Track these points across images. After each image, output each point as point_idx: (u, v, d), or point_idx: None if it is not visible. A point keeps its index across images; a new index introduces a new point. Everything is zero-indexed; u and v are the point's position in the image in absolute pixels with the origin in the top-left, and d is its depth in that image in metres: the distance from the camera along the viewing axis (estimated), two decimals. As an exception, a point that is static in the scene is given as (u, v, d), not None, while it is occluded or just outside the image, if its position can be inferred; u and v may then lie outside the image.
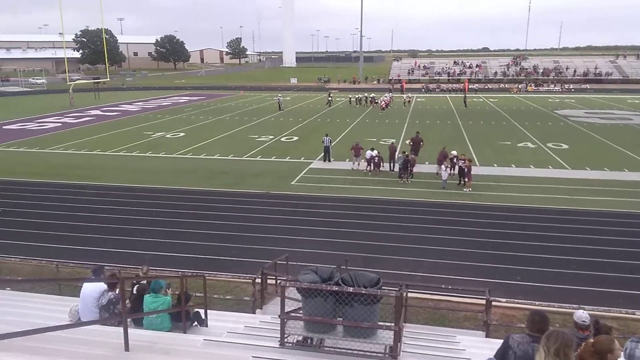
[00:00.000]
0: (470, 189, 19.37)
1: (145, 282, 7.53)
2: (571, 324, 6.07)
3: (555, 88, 68.18)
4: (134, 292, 7.44)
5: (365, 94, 53.34)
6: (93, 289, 7.04)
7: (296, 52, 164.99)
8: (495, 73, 79.85)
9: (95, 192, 20.12)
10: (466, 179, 19.67)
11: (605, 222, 15.76)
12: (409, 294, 9.72)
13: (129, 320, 6.36)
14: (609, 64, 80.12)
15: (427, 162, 21.63)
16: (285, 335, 6.17)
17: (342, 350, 5.97)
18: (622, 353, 4.33)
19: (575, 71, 77.01)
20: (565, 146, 28.44)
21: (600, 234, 14.73)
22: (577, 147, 28.10)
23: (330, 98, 52.52)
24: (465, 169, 19.72)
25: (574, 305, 9.11)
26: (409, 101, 52.13)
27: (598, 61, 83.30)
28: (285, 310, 6.23)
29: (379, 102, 49.07)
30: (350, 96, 54.86)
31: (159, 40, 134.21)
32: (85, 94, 62.59)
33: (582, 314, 5.89)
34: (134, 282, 7.72)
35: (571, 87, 68.65)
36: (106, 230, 15.72)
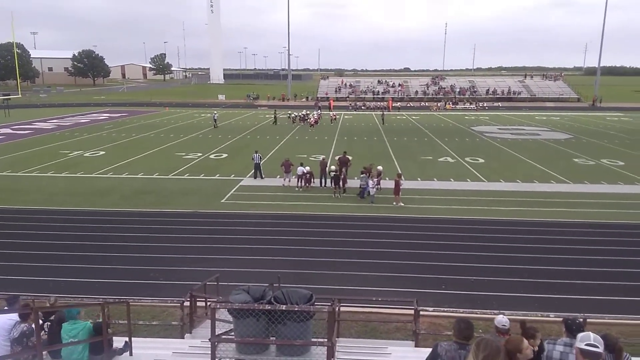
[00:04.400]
0: (401, 204, 19.86)
1: (61, 311, 7.02)
2: (492, 330, 6.40)
3: (471, 106, 72.50)
4: (49, 321, 6.90)
5: (296, 112, 53.76)
6: (3, 322, 6.46)
7: (224, 69, 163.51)
8: (416, 92, 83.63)
9: (5, 216, 18.57)
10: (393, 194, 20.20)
11: (519, 231, 16.87)
12: (341, 308, 9.82)
13: (45, 353, 5.90)
14: (518, 84, 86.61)
15: (355, 178, 22.16)
16: (216, 359, 5.99)
17: (276, 370, 5.89)
18: (531, 352, 4.61)
19: (488, 90, 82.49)
20: (481, 160, 30.24)
21: (515, 242, 15.73)
22: (492, 161, 29.97)
23: (276, 116, 52.14)
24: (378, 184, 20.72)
25: (494, 311, 9.62)
26: (335, 118, 53.16)
27: (508, 81, 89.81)
28: (216, 333, 6.06)
29: (309, 119, 49.71)
30: (290, 113, 54.58)
31: (76, 55, 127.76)
32: (-7, 110, 58.05)
33: (502, 319, 6.22)
34: (44, 313, 7.13)
35: (485, 105, 73.36)
36: (17, 256, 14.50)
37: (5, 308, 7.06)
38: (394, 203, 20.00)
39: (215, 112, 51.91)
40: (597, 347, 3.82)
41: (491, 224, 17.69)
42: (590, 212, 19.08)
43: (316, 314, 6.34)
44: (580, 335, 3.98)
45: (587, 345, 3.84)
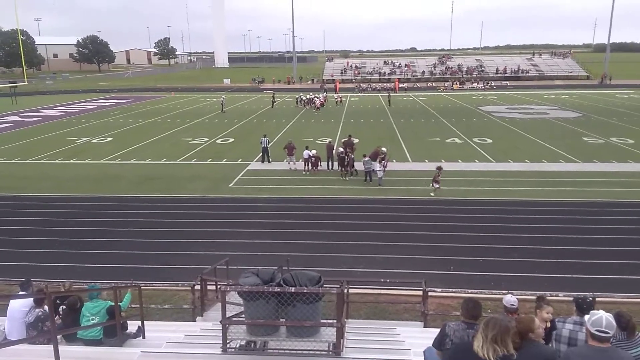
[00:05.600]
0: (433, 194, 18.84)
1: (73, 296, 7.15)
2: (501, 309, 6.43)
3: (479, 86, 71.78)
4: (64, 306, 7.03)
5: (302, 94, 53.37)
6: (20, 305, 6.60)
7: (228, 52, 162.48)
8: (423, 72, 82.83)
9: (17, 203, 18.79)
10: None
11: (528, 211, 16.81)
12: (350, 290, 9.90)
13: (60, 336, 6.03)
14: (526, 62, 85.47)
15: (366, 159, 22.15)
16: (228, 341, 6.08)
17: (286, 351, 5.98)
18: (542, 332, 4.61)
19: (497, 69, 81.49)
20: (489, 140, 30.03)
21: (524, 222, 15.69)
22: (500, 141, 29.74)
23: (274, 99, 51.87)
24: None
25: (503, 291, 9.63)
26: (340, 101, 52.72)
27: (516, 59, 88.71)
28: (227, 315, 6.15)
29: (315, 101, 49.45)
30: (298, 96, 53.61)
31: (80, 41, 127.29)
32: (1, 99, 58.30)
33: (510, 298, 6.24)
34: (58, 299, 7.26)
35: (493, 84, 72.58)
36: (30, 243, 14.72)
37: (21, 292, 7.19)
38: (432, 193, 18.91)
39: (222, 96, 51.78)
40: (607, 333, 3.80)
41: (499, 204, 17.64)
42: (600, 191, 18.95)
43: (325, 295, 6.40)
44: (593, 318, 3.88)
45: (597, 331, 3.81)
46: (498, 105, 49.24)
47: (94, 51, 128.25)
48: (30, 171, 24.13)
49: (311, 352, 5.89)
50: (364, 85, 72.19)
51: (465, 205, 17.68)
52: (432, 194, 18.88)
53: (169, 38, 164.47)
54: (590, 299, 5.55)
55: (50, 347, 5.26)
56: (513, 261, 12.99)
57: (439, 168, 19.41)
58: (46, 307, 6.40)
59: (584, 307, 5.21)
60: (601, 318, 3.84)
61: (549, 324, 5.27)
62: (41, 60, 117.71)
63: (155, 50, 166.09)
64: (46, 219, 16.86)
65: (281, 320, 6.20)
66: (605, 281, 11.82)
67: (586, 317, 4.05)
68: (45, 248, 14.38)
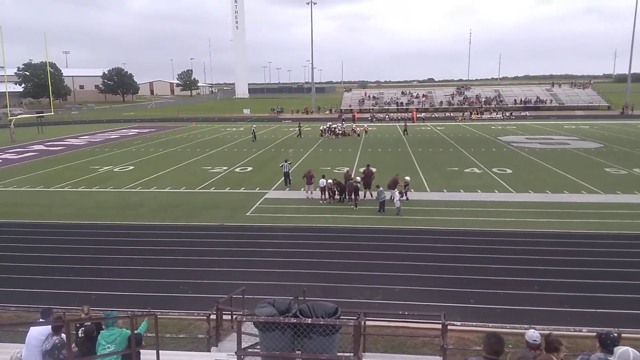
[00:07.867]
0: None
1: (90, 324, 7.17)
2: (523, 344, 6.25)
3: (497, 116, 71.53)
4: (81, 334, 7.05)
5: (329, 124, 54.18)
6: (39, 333, 6.63)
7: (249, 84, 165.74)
8: (441, 102, 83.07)
9: (38, 230, 19.13)
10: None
11: (549, 243, 16.45)
12: (367, 322, 9.72)
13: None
14: (545, 92, 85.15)
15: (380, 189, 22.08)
16: (243, 373, 6.00)
17: (302, 384, 5.87)
18: None
19: (515, 100, 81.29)
20: (509, 171, 29.71)
21: (546, 255, 15.34)
22: (520, 172, 29.40)
23: (300, 128, 53.01)
24: None
25: (524, 326, 9.37)
26: (359, 132, 51.24)
27: (535, 89, 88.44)
28: (242, 346, 6.09)
29: (335, 130, 50.35)
30: (330, 124, 54.14)
31: (106, 72, 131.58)
32: (28, 128, 60.14)
33: (533, 334, 6.07)
34: (78, 325, 7.31)
35: (512, 114, 72.26)
36: (50, 270, 14.90)
37: (40, 320, 7.24)
38: None
39: (253, 125, 52.82)
40: None
41: (520, 235, 17.32)
42: (623, 223, 18.49)
43: (342, 327, 6.30)
44: (618, 352, 3.81)
45: None
46: (517, 136, 48.91)
47: (118, 83, 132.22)
48: (53, 198, 24.62)
49: (327, 385, 5.77)
50: (380, 116, 72.57)
51: (485, 236, 17.39)
52: None
53: (191, 70, 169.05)
54: (615, 334, 5.37)
55: (66, 376, 5.25)
56: (535, 294, 12.64)
57: None
58: (63, 335, 6.42)
59: (607, 342, 5.04)
60: (627, 351, 3.74)
61: None
62: (68, 92, 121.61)
63: (177, 81, 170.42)
64: (66, 246, 17.08)
65: (297, 352, 6.12)
66: (631, 316, 11.41)
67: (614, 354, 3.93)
68: (65, 275, 14.53)
